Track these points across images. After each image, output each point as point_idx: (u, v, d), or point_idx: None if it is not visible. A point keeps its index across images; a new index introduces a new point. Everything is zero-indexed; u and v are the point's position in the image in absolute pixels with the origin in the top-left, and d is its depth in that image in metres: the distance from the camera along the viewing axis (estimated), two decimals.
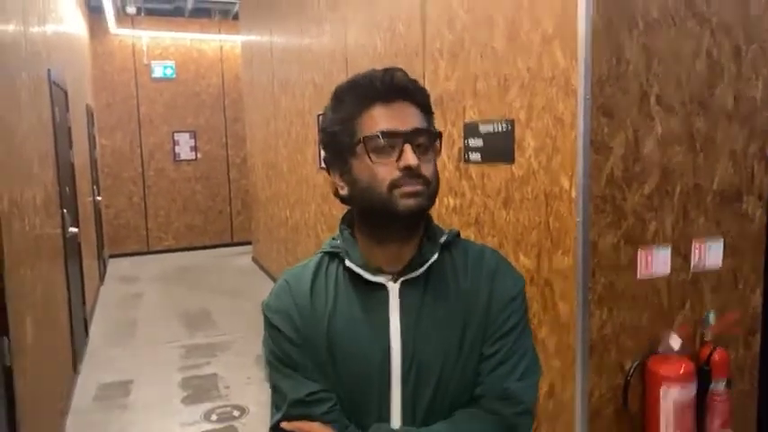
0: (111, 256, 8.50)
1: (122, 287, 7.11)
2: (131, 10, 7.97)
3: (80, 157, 5.64)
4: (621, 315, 1.92)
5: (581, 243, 1.85)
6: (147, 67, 8.74)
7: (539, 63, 1.99)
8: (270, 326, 1.04)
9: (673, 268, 1.95)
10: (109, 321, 5.73)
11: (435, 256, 1.02)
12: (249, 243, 8.50)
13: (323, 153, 1.07)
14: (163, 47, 8.84)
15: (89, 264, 5.80)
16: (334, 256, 1.06)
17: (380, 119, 0.96)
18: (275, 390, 1.04)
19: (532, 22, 2.01)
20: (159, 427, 3.56)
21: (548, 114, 1.97)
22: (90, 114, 7.17)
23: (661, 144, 1.89)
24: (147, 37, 8.69)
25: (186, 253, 8.93)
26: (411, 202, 0.95)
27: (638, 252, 1.90)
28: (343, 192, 1.01)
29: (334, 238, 1.09)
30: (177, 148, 9.04)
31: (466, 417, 1.00)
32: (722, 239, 2.01)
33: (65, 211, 4.10)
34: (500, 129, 2.21)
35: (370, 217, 1.01)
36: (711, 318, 1.97)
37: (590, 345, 1.89)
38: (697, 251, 1.99)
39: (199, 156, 9.13)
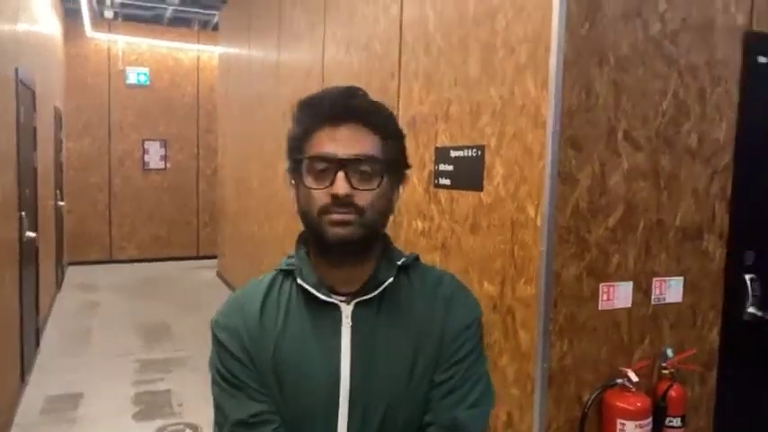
0: (71, 264, 8.27)
1: (80, 296, 6.91)
2: (109, 14, 7.88)
3: (44, 159, 5.49)
4: (582, 346, 1.92)
5: (544, 272, 1.85)
6: (121, 72, 8.62)
7: (510, 91, 2.00)
8: (217, 343, 1.01)
9: (633, 302, 1.97)
10: (63, 331, 5.55)
11: (391, 278, 0.99)
12: (215, 257, 8.36)
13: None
14: (138, 53, 8.74)
15: (46, 270, 5.62)
16: (288, 273, 1.03)
17: (323, 141, 0.94)
18: (218, 408, 1.01)
19: (506, 51, 2.03)
20: None
21: (517, 143, 1.98)
22: (58, 117, 7.02)
23: (627, 178, 1.91)
24: (123, 42, 8.59)
25: (150, 264, 8.73)
26: (340, 230, 0.93)
27: (600, 285, 1.91)
28: (295, 206, 1.01)
29: (290, 256, 1.06)
30: (147, 157, 8.90)
31: None
32: (683, 276, 2.03)
33: (23, 214, 3.97)
34: (470, 154, 2.21)
35: (311, 237, 1.00)
36: (669, 353, 1.99)
37: (549, 375, 1.88)
38: (657, 287, 2.00)
39: (168, 165, 9.00)
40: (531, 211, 1.92)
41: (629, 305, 1.96)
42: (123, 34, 8.58)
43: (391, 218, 2.92)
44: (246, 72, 6.32)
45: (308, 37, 4.24)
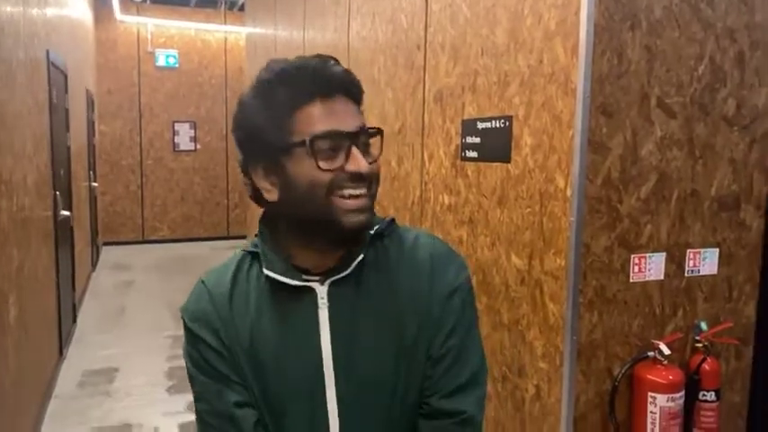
0: (105, 244, 8.47)
1: (115, 275, 7.07)
2: None
3: (77, 141, 5.60)
4: (612, 319, 1.88)
5: (574, 244, 1.82)
6: (150, 55, 8.71)
7: (539, 60, 1.95)
8: (190, 334, 0.95)
9: (666, 274, 1.92)
10: (99, 308, 5.70)
11: (362, 254, 0.92)
12: (244, 237, 8.47)
13: (238, 151, 0.94)
14: (167, 35, 8.82)
15: (81, 249, 5.76)
16: (256, 255, 0.96)
17: (322, 116, 0.86)
18: (198, 399, 0.95)
19: (534, 18, 1.97)
20: (141, 415, 3.52)
21: (546, 112, 1.93)
22: (90, 99, 7.14)
23: (660, 147, 1.85)
24: (151, 24, 8.67)
25: (181, 244, 8.89)
26: (359, 218, 0.87)
27: (632, 256, 1.87)
28: (271, 196, 0.90)
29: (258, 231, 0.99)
30: (177, 138, 9.01)
31: None
32: (718, 248, 1.97)
33: (57, 193, 4.06)
34: (498, 125, 2.17)
35: (306, 225, 0.90)
36: (704, 326, 1.94)
37: (578, 348, 1.86)
38: (692, 259, 1.95)
39: (198, 147, 9.10)
40: (561, 182, 1.88)
41: (662, 277, 1.92)
42: (152, 17, 8.65)
43: (417, 193, 2.87)
44: (273, 52, 6.31)
45: (332, 12, 4.20)
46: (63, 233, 4.38)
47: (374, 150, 0.91)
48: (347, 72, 0.90)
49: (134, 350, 4.58)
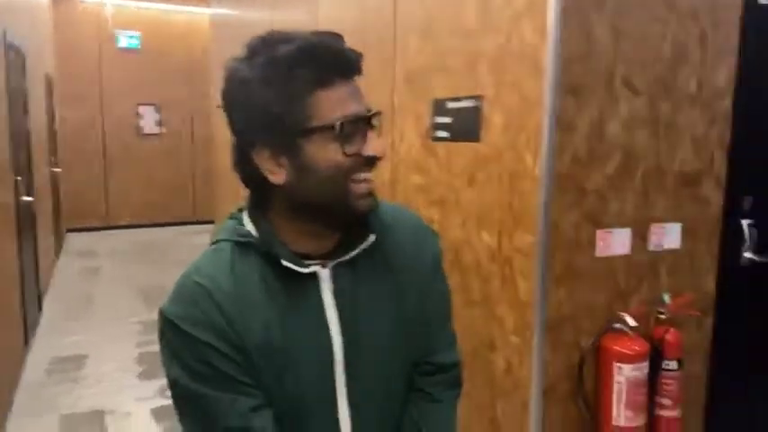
0: (69, 230, 8.28)
1: (80, 261, 6.94)
2: None
3: (37, 125, 5.45)
4: (580, 294, 1.94)
5: (543, 221, 1.86)
6: (111, 36, 8.48)
7: (508, 40, 1.97)
8: (189, 340, 0.85)
9: (631, 249, 1.98)
10: (65, 296, 5.59)
11: (372, 237, 0.93)
12: (212, 222, 8.37)
13: (234, 131, 0.89)
14: (129, 16, 8.59)
15: (44, 236, 5.63)
16: (243, 246, 0.91)
17: (346, 99, 0.85)
18: (197, 420, 0.89)
19: None
20: (112, 401, 3.49)
21: (515, 92, 1.96)
22: (50, 83, 6.93)
23: (625, 125, 1.90)
24: (112, 5, 8.43)
25: (147, 229, 8.75)
26: (370, 201, 0.89)
27: (597, 231, 1.92)
28: (278, 179, 0.87)
29: (233, 218, 0.95)
30: (142, 122, 8.82)
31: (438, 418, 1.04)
32: (681, 223, 2.04)
33: (18, 179, 3.96)
34: (468, 105, 2.20)
35: (316, 209, 0.89)
36: (666, 299, 2.01)
37: (548, 322, 1.91)
38: (656, 233, 2.01)
39: (163, 130, 8.93)
40: (530, 161, 1.91)
41: (627, 252, 1.98)
42: None
43: (387, 174, 2.88)
44: (239, 34, 6.21)
45: None
46: (25, 219, 4.27)
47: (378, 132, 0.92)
48: (357, 51, 0.88)
49: (102, 337, 4.51)
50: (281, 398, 0.90)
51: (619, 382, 1.89)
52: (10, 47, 3.93)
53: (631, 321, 1.89)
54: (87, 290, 5.78)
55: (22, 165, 4.32)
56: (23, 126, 4.56)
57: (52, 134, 6.98)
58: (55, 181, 7.01)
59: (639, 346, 1.89)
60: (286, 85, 0.82)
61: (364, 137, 0.86)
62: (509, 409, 2.08)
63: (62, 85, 8.12)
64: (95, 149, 8.62)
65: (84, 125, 8.49)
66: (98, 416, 3.30)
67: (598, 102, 1.85)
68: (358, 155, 0.86)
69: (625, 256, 1.98)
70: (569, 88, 1.81)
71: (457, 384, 1.10)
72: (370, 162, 0.87)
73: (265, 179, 0.87)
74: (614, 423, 1.91)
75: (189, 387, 0.86)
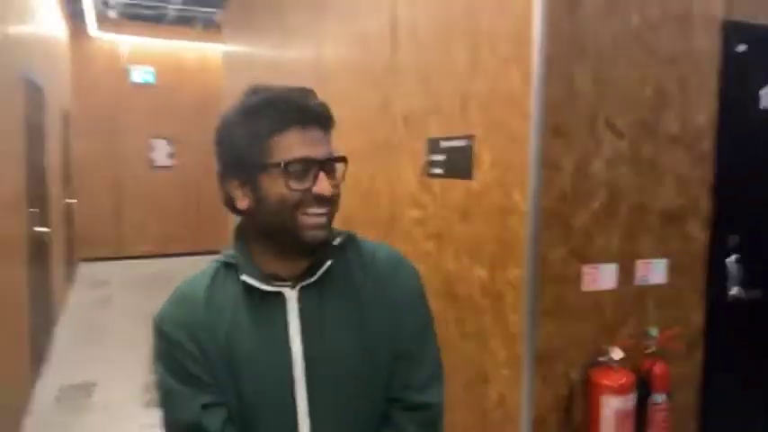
0: (83, 260, 8.42)
1: (92, 291, 7.05)
2: (113, 14, 7.98)
3: (53, 158, 5.62)
4: (568, 327, 2.00)
5: (530, 256, 1.93)
6: (126, 71, 8.73)
7: (496, 83, 2.08)
8: (164, 338, 1.01)
9: (618, 283, 2.05)
10: (76, 324, 5.69)
11: (329, 262, 1.03)
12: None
13: (217, 162, 1.05)
14: (144, 52, 8.86)
15: (57, 265, 5.76)
16: (230, 266, 1.05)
17: (297, 144, 0.98)
18: (167, 409, 1.02)
19: (491, 47, 2.10)
20: (119, 429, 3.56)
21: (503, 132, 2.06)
22: (66, 117, 7.15)
23: (609, 165, 1.99)
24: (127, 42, 8.70)
25: (160, 259, 8.87)
26: (318, 233, 0.99)
27: (584, 267, 1.99)
28: (243, 205, 1.02)
29: (229, 248, 1.09)
30: (154, 155, 9.02)
31: None
32: (666, 258, 2.11)
33: (32, 211, 4.09)
34: (460, 144, 2.29)
35: (273, 235, 1.01)
36: (654, 332, 2.07)
37: (537, 355, 1.97)
38: (642, 268, 2.08)
39: (175, 163, 9.12)
40: (518, 197, 2.00)
41: (614, 286, 2.04)
42: (128, 34, 8.69)
43: (387, 209, 2.98)
44: (249, 69, 6.40)
45: (307, 33, 4.32)
46: (38, 250, 4.39)
47: (338, 176, 1.03)
48: (322, 105, 1.02)
49: (112, 366, 4.59)
50: (240, 404, 1.00)
51: (607, 415, 1.94)
52: (30, 84, 4.11)
53: (617, 355, 1.95)
54: (98, 318, 5.87)
55: (39, 197, 4.47)
56: (40, 161, 4.73)
57: (67, 166, 7.18)
58: (69, 211, 7.18)
59: (625, 379, 1.94)
60: (251, 129, 0.99)
61: (316, 177, 0.98)
62: None
63: (78, 118, 8.36)
64: (109, 181, 8.81)
65: (98, 157, 8.70)
66: None
67: (582, 142, 1.94)
68: (307, 191, 0.98)
69: (612, 291, 2.04)
70: (554, 129, 1.90)
71: (431, 426, 1.09)
72: (320, 199, 0.98)
73: (235, 205, 1.03)
74: None
75: (163, 380, 1.01)
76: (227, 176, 1.03)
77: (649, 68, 2.01)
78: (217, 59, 8.88)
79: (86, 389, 4.12)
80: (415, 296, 1.11)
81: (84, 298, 6.72)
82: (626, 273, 2.05)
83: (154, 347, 1.03)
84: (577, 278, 1.99)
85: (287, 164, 0.97)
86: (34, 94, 4.42)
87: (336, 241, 1.08)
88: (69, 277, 7.08)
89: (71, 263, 7.30)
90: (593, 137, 1.95)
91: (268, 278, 1.02)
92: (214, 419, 0.99)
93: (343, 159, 1.04)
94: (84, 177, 8.57)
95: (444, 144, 2.39)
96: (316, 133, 1.00)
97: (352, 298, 1.05)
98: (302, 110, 0.99)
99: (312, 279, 1.03)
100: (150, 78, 8.84)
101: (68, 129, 7.42)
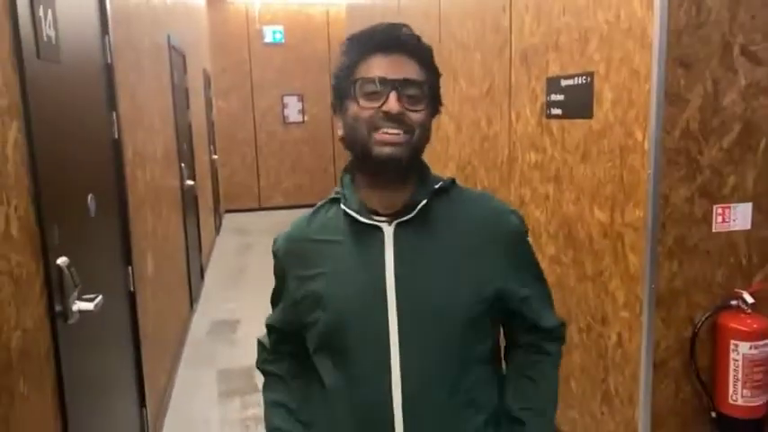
0: (227, 211, 9.17)
1: (236, 238, 7.69)
2: None
3: (197, 117, 6.11)
4: (693, 269, 1.91)
5: (651, 196, 1.86)
6: (258, 32, 9.17)
7: (617, 15, 1.97)
8: (273, 254, 1.19)
9: (753, 224, 1.91)
10: (223, 268, 6.27)
11: (425, 200, 1.05)
12: None
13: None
14: (273, 12, 9.23)
15: (205, 216, 6.34)
16: (335, 200, 1.12)
17: (376, 66, 1.02)
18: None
19: None
20: None
21: (624, 67, 1.96)
22: (207, 78, 7.70)
23: (745, 96, 1.83)
24: (258, 3, 9.11)
25: (295, 210, 9.38)
26: (387, 149, 1.00)
27: (714, 206, 1.88)
28: (340, 132, 1.08)
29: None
30: (286, 111, 9.47)
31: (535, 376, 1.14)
32: None
33: (182, 165, 4.53)
34: (580, 82, 2.22)
35: (357, 159, 1.07)
36: None
37: (658, 297, 1.91)
38: None
39: (306, 118, 9.53)
40: (639, 135, 1.91)
41: (749, 227, 1.91)
42: None
43: (506, 152, 2.99)
44: (372, 21, 6.46)
45: None
46: (189, 201, 4.87)
47: (420, 102, 1.04)
48: (407, 35, 1.05)
49: (253, 304, 5.02)
50: (328, 321, 1.07)
51: (735, 360, 1.85)
52: (173, 48, 4.48)
53: (749, 298, 1.84)
54: (242, 263, 6.43)
55: (186, 153, 4.92)
56: (186, 119, 5.18)
57: (210, 124, 7.77)
58: (213, 167, 7.81)
59: (758, 324, 1.83)
60: (342, 60, 1.07)
61: (388, 96, 1.00)
62: (621, 383, 2.11)
63: (217, 79, 8.96)
64: (247, 138, 9.42)
65: (236, 115, 9.31)
66: (249, 371, 3.74)
67: (712, 73, 1.80)
68: (378, 109, 1.00)
69: (746, 231, 1.92)
70: (679, 61, 1.78)
71: (561, 339, 1.17)
72: (389, 118, 0.99)
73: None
74: (731, 401, 1.88)
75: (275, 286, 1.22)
76: (335, 110, 1.09)
77: None
78: (341, 14, 9.05)
79: (232, 325, 4.58)
80: (519, 239, 1.13)
81: (229, 245, 7.35)
82: (762, 213, 1.91)
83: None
84: (705, 218, 1.89)
85: (358, 82, 1.02)
86: (177, 57, 4.81)
87: (437, 185, 1.09)
88: (216, 226, 7.76)
89: (218, 213, 7.98)
90: (725, 66, 1.81)
91: (368, 212, 1.06)
92: (273, 340, 1.25)
93: (416, 83, 1.02)
94: (226, 135, 9.24)
95: (564, 83, 2.32)
96: (401, 59, 1.03)
97: (450, 240, 1.07)
98: (386, 37, 1.04)
99: (408, 216, 1.05)
100: (280, 37, 9.22)
101: (209, 90, 8.00)
